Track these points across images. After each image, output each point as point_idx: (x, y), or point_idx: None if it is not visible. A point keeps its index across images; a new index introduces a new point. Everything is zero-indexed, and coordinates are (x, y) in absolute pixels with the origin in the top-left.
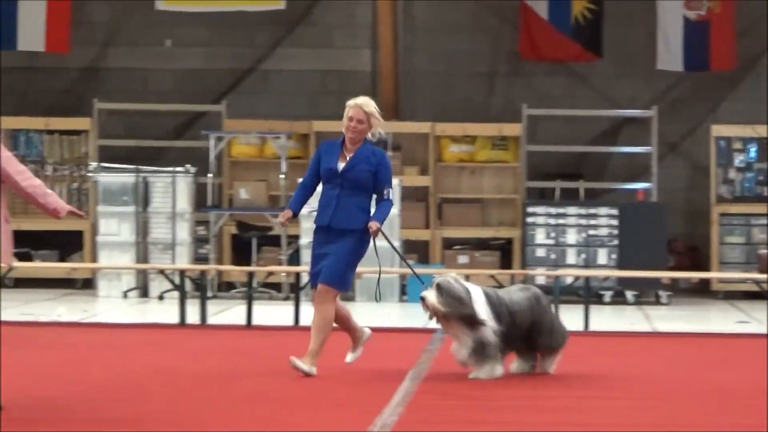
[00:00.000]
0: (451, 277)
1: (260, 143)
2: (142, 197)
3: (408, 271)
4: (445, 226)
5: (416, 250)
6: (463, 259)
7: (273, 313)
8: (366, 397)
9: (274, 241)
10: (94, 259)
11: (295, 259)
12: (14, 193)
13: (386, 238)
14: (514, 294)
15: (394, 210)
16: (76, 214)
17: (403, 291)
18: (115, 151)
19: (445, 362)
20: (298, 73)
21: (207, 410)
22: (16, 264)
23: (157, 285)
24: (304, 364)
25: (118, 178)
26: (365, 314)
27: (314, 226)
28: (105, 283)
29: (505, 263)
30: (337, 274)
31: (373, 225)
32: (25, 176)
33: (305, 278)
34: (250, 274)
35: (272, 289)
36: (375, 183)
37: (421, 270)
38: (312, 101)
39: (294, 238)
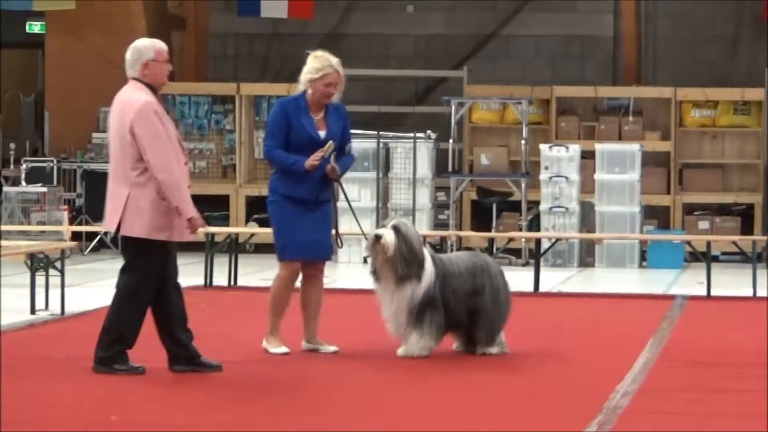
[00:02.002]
0: (405, 221)
1: (501, 109)
2: (383, 163)
3: (647, 236)
4: (685, 191)
5: (656, 216)
6: (703, 224)
7: (512, 278)
8: (608, 364)
9: (514, 206)
10: None
11: (535, 224)
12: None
13: (342, 187)
14: (460, 259)
15: (635, 175)
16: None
17: (642, 257)
18: (356, 117)
19: (687, 328)
20: (539, 38)
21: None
22: (257, 230)
23: None
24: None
25: (359, 144)
26: (604, 280)
27: (284, 195)
28: (345, 249)
29: (746, 229)
30: (330, 248)
31: (335, 168)
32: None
33: (545, 244)
34: (491, 240)
35: (512, 254)
36: (340, 141)
37: (661, 236)
38: (553, 66)
39: (534, 204)
